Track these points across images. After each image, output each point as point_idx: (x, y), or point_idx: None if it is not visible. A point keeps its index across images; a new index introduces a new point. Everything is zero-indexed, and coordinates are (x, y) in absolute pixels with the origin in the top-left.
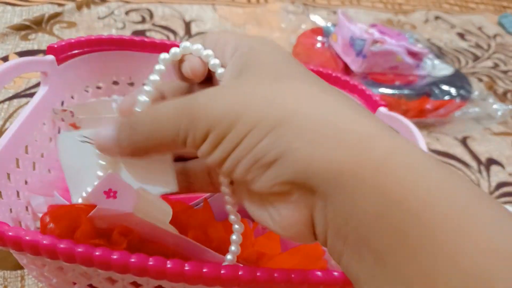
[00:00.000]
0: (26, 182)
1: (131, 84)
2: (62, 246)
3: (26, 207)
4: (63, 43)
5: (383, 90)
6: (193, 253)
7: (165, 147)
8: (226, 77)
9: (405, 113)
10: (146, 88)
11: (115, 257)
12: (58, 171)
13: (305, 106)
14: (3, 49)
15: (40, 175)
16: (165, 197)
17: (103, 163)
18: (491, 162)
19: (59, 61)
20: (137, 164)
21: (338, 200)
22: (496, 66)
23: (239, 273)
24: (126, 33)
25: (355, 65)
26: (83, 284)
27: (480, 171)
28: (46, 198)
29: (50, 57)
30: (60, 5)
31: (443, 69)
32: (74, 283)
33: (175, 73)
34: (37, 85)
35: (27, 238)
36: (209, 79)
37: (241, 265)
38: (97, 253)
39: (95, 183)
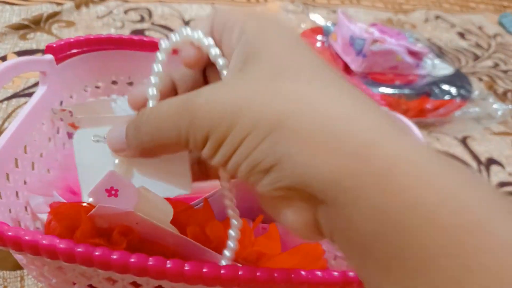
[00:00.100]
0: (25, 182)
1: (130, 83)
2: (62, 246)
3: (25, 207)
4: (62, 43)
5: (383, 89)
6: (193, 253)
7: (170, 148)
8: (230, 67)
9: (405, 112)
10: (152, 79)
11: (115, 257)
12: (57, 171)
13: (303, 108)
14: (1, 49)
15: (39, 175)
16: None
17: (117, 161)
18: (491, 162)
19: (58, 60)
20: (151, 163)
21: (338, 208)
22: (496, 65)
23: (239, 273)
24: (125, 33)
25: (355, 64)
26: (83, 284)
27: (480, 171)
28: (46, 198)
29: (49, 56)
30: (58, 4)
31: (443, 69)
32: (74, 283)
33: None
34: (36, 84)
35: (26, 238)
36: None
37: (241, 265)
38: (97, 253)
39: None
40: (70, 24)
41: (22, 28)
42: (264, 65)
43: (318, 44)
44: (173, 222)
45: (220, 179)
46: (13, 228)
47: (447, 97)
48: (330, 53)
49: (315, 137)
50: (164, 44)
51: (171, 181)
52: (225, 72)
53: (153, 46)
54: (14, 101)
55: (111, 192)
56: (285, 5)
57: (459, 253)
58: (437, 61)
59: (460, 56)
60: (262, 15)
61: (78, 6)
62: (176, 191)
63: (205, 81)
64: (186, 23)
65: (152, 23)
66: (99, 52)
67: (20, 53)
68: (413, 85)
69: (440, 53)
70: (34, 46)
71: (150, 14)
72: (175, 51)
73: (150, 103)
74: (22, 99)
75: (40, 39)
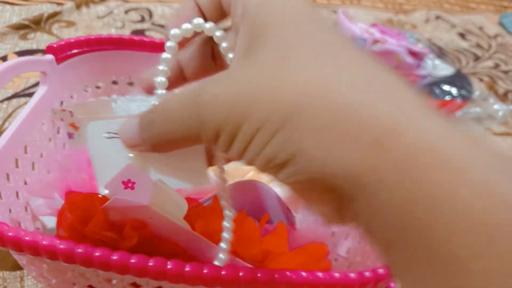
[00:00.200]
0: (25, 183)
1: (131, 83)
2: (61, 246)
3: (26, 208)
4: (63, 43)
5: None
6: (204, 251)
7: (184, 143)
8: (236, 51)
9: None
10: (160, 67)
11: (115, 257)
12: (57, 171)
13: (314, 97)
14: (2, 49)
15: (39, 175)
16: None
17: (132, 155)
18: None
19: (59, 60)
20: (167, 156)
21: (359, 202)
22: (497, 66)
23: (240, 274)
24: (126, 33)
25: None
26: (83, 285)
27: None
28: (46, 200)
29: (50, 56)
30: (59, 4)
31: (444, 69)
32: (74, 284)
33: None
34: (36, 84)
35: (26, 238)
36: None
37: (248, 264)
38: (96, 254)
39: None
40: (70, 24)
41: (23, 28)
42: (269, 51)
43: None
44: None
45: (215, 167)
46: (13, 228)
47: (447, 98)
48: None
49: (329, 129)
50: (174, 31)
51: (187, 174)
52: (230, 55)
53: (153, 47)
54: (14, 101)
55: (128, 184)
56: None
57: (490, 255)
58: (437, 62)
59: (461, 57)
60: None
61: (78, 6)
62: (192, 184)
63: (214, 59)
64: None
65: (153, 23)
66: (100, 52)
67: (21, 53)
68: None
69: (441, 53)
70: (34, 46)
71: (150, 14)
72: (185, 40)
73: (159, 92)
74: (23, 99)
75: (40, 39)
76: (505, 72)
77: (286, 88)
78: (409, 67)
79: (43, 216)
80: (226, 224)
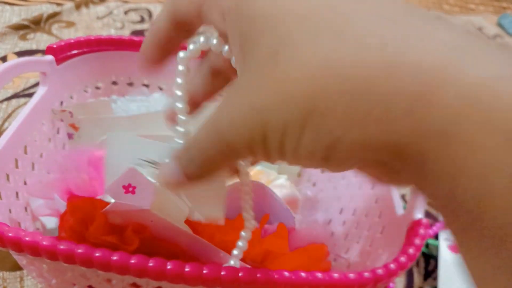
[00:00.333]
0: (25, 183)
1: (130, 84)
2: (62, 247)
3: (25, 208)
4: (62, 43)
5: None
6: (204, 252)
7: (221, 167)
8: (236, 63)
9: None
10: (178, 93)
11: (115, 258)
12: (56, 172)
13: (326, 80)
14: (1, 49)
15: (39, 175)
16: None
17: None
18: None
19: (58, 61)
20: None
21: (408, 173)
22: None
23: (239, 274)
24: (125, 33)
25: None
26: (83, 285)
27: None
28: (46, 200)
29: (49, 57)
30: (58, 4)
31: None
32: (74, 284)
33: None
34: (36, 85)
35: (26, 239)
36: None
37: (247, 265)
38: (97, 254)
39: None
40: (70, 24)
41: (22, 28)
42: (259, 54)
43: None
44: (185, 221)
45: (240, 179)
46: (13, 229)
47: None
48: None
49: (355, 110)
50: (182, 53)
51: (207, 205)
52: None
53: None
54: (14, 101)
55: (129, 189)
56: None
57: None
58: None
59: None
60: None
61: (78, 7)
62: (207, 215)
63: (217, 75)
64: None
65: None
66: (100, 53)
67: (20, 53)
68: None
69: None
70: (34, 47)
71: (150, 14)
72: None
73: (181, 117)
74: (22, 99)
75: (40, 39)
76: None
77: (288, 87)
78: None
79: (43, 217)
80: (243, 233)
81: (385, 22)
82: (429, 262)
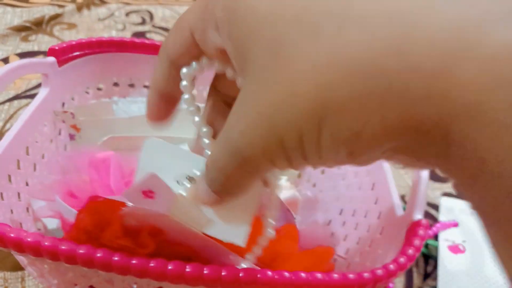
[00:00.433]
0: (27, 184)
1: (132, 85)
2: (63, 247)
3: (27, 209)
4: (64, 45)
5: None
6: (217, 255)
7: (246, 184)
8: (238, 73)
9: None
10: (196, 119)
11: (116, 258)
12: (58, 173)
13: (332, 76)
14: (3, 50)
15: (40, 176)
16: None
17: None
18: None
19: (60, 63)
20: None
21: (433, 157)
22: None
23: (240, 274)
24: (126, 35)
25: None
26: (84, 285)
27: None
28: (48, 202)
29: (51, 59)
30: (60, 6)
31: None
32: (75, 284)
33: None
34: (38, 86)
35: (28, 239)
36: None
37: (256, 266)
38: (98, 255)
39: None
40: (71, 26)
41: (24, 30)
42: (258, 58)
43: None
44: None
45: (270, 191)
46: (15, 229)
47: None
48: None
49: (369, 99)
50: (185, 69)
51: (230, 228)
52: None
53: (154, 49)
54: (15, 103)
55: (148, 194)
56: None
57: None
58: None
59: None
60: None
61: (79, 8)
62: (230, 238)
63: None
64: None
65: (153, 26)
66: (101, 54)
67: (22, 55)
68: None
69: None
70: (35, 48)
71: (151, 16)
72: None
73: (205, 141)
74: (24, 101)
75: (41, 41)
76: None
77: (294, 88)
78: None
79: (44, 218)
80: (262, 242)
81: None
82: (428, 262)
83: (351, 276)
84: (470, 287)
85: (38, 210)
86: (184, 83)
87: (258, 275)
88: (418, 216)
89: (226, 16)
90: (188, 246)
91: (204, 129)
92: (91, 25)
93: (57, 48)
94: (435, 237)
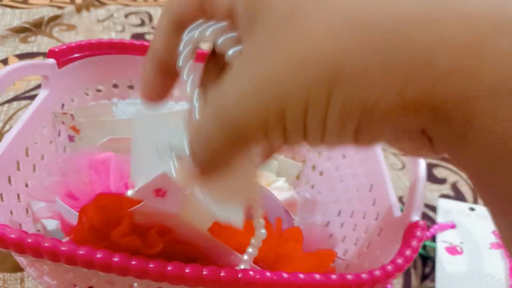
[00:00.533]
0: (26, 185)
1: (131, 87)
2: (63, 248)
3: (26, 210)
4: (64, 47)
5: None
6: (221, 255)
7: (231, 156)
8: (241, 33)
9: None
10: (189, 84)
11: (116, 259)
12: (58, 175)
13: (350, 36)
14: (2, 52)
15: (40, 178)
16: None
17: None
18: None
19: (60, 64)
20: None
21: (446, 142)
22: None
23: (239, 275)
24: (126, 36)
25: None
26: (83, 286)
27: None
28: (47, 203)
29: (51, 60)
30: (59, 7)
31: None
32: (75, 285)
33: None
34: (37, 87)
35: (29, 240)
36: None
37: (258, 267)
38: (98, 256)
39: (157, 169)
40: (71, 27)
41: (23, 31)
42: (271, 17)
43: None
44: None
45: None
46: (16, 230)
47: None
48: None
49: (391, 62)
50: (190, 28)
51: (226, 207)
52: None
53: None
54: (15, 104)
55: (159, 192)
56: None
57: None
58: None
59: None
60: None
61: (79, 10)
62: (226, 217)
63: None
64: None
65: (153, 27)
66: (101, 56)
67: (21, 56)
68: None
69: None
70: (35, 49)
71: (150, 18)
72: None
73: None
74: (23, 102)
75: (41, 42)
76: None
77: (309, 48)
78: None
79: (44, 220)
80: (253, 241)
81: None
82: (426, 264)
83: (349, 277)
84: None
85: (37, 211)
86: (183, 51)
87: (257, 276)
88: (416, 217)
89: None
90: (194, 246)
91: (196, 92)
92: (90, 27)
93: (57, 50)
94: (433, 239)
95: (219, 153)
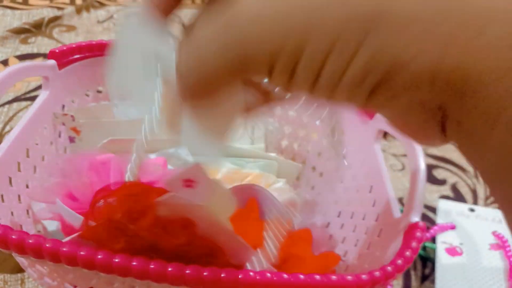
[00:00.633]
0: (27, 186)
1: None
2: (64, 249)
3: (27, 211)
4: (64, 48)
5: None
6: (242, 255)
7: (224, 84)
8: None
9: None
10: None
11: (116, 260)
12: (58, 176)
13: None
14: (2, 53)
15: (41, 179)
16: None
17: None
18: None
19: (60, 65)
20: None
21: (459, 123)
22: None
23: (239, 276)
24: None
25: None
26: (84, 287)
27: (476, 176)
28: (48, 205)
29: (52, 62)
30: (59, 8)
31: None
32: (75, 286)
33: None
34: (37, 88)
35: (30, 241)
36: None
37: (274, 268)
38: (99, 257)
39: (139, 85)
40: (70, 28)
41: (23, 32)
42: None
43: None
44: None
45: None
46: (17, 231)
47: None
48: None
49: (439, 21)
50: None
51: (210, 143)
52: None
53: None
54: (15, 105)
55: (189, 183)
56: None
57: None
58: None
59: None
60: None
61: (79, 11)
62: (202, 152)
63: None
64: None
65: None
66: (101, 57)
67: (21, 57)
68: None
69: None
70: (35, 50)
71: None
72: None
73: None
74: (23, 103)
75: (41, 43)
76: None
77: (278, 7)
78: None
79: (45, 220)
80: (264, 263)
81: None
82: (426, 265)
83: (349, 278)
84: None
85: (38, 212)
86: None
87: (257, 277)
88: (416, 218)
89: None
90: (214, 241)
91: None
92: (90, 28)
93: (57, 51)
94: (433, 240)
95: (212, 78)
